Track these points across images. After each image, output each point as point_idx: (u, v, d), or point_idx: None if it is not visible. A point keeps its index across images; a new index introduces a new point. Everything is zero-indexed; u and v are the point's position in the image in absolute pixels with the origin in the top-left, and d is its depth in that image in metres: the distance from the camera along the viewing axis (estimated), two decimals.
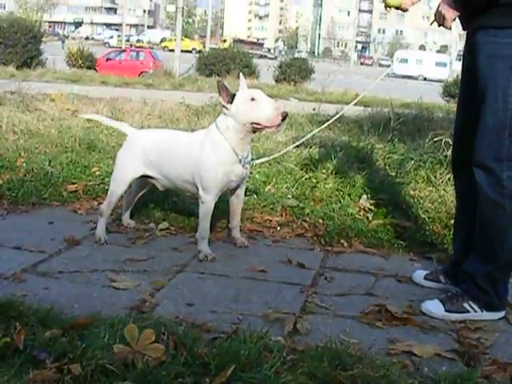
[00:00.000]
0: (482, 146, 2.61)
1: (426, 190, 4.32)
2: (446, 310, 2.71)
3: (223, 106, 3.26)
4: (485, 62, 2.60)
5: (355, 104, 3.71)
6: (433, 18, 2.76)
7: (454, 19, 2.70)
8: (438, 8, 2.72)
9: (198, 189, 3.34)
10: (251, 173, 4.20)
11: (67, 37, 68.33)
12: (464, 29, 2.77)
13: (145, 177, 3.58)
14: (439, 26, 2.76)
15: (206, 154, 3.28)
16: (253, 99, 3.18)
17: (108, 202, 3.58)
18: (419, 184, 4.45)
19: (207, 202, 3.31)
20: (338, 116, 4.00)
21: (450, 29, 2.74)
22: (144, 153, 3.50)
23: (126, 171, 3.56)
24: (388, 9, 2.99)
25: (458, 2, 2.64)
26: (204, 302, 2.70)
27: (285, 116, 3.14)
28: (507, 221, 2.61)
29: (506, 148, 2.55)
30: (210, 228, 3.42)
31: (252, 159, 3.44)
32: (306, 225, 3.92)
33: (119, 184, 3.56)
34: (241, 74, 3.49)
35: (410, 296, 2.95)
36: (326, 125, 3.84)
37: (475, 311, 2.70)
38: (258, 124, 3.18)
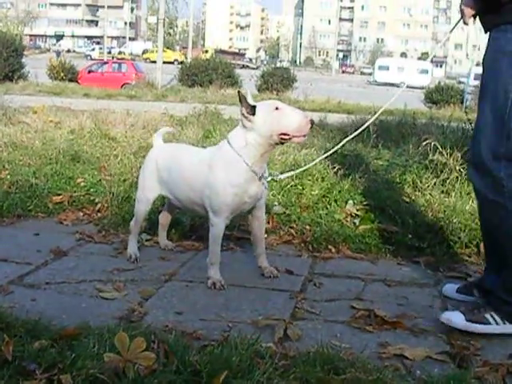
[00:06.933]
0: (481, 145, 2.55)
1: (412, 195, 4.33)
2: (468, 320, 2.56)
3: (245, 118, 2.95)
4: (490, 56, 2.57)
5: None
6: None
7: (471, 16, 2.68)
8: (461, 3, 2.71)
9: (207, 211, 3.09)
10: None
11: (49, 50, 67.97)
12: (485, 29, 2.69)
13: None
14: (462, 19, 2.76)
15: (215, 175, 2.99)
16: (277, 108, 2.91)
17: (134, 220, 3.47)
18: (405, 189, 4.46)
19: (216, 225, 3.03)
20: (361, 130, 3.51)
21: (467, 24, 2.77)
22: (157, 170, 3.34)
23: (145, 189, 3.41)
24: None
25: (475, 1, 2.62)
26: (193, 310, 2.68)
27: (312, 123, 2.91)
28: None
29: (505, 147, 2.48)
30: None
31: (270, 174, 3.18)
32: (293, 231, 3.92)
33: (142, 203, 3.43)
34: (247, 88, 3.28)
35: (399, 300, 2.96)
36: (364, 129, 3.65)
37: (497, 323, 2.56)
38: (285, 134, 2.89)
